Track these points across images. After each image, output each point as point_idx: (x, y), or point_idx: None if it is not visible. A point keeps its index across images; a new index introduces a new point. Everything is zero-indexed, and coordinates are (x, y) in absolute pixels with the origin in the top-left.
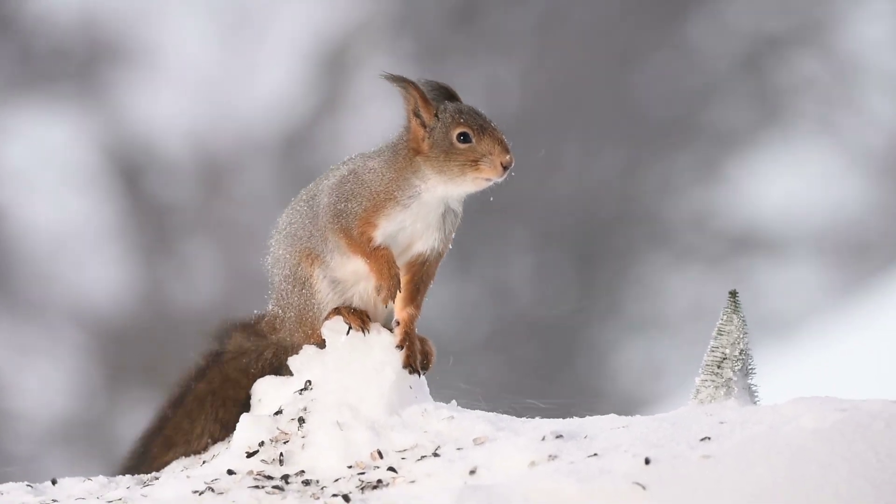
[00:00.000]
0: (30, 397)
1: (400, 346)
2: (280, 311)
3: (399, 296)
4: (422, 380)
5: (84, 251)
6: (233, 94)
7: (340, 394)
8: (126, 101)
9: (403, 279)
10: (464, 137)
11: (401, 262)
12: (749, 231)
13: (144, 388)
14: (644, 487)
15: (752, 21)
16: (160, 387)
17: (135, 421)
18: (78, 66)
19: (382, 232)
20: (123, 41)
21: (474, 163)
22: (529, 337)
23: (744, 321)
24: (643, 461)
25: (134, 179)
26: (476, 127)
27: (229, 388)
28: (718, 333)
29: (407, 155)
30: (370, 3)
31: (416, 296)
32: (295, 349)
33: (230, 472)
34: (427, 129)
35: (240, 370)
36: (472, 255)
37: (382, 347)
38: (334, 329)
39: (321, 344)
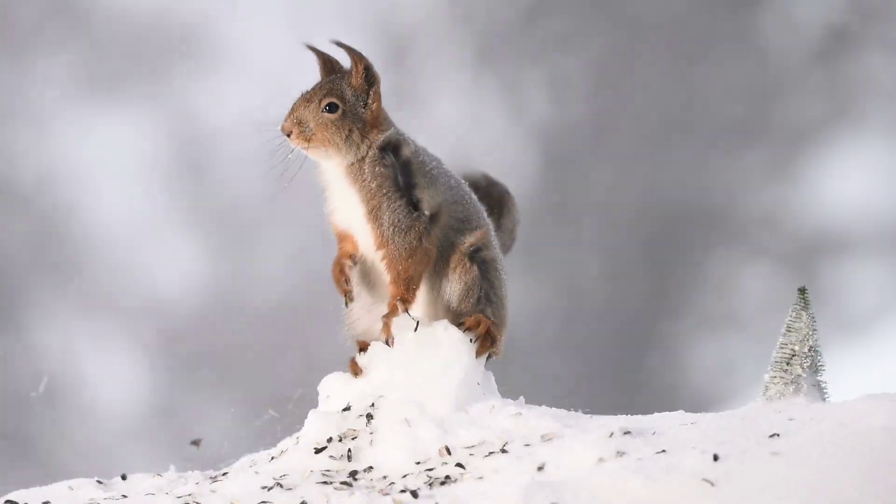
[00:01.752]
0: (104, 390)
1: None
2: None
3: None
4: (490, 376)
5: (157, 244)
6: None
7: (408, 390)
8: (197, 97)
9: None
10: None
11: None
12: (820, 227)
13: (218, 382)
14: (712, 484)
15: (823, 14)
16: (232, 381)
17: (208, 415)
18: (150, 62)
19: (336, 222)
20: (195, 37)
21: None
22: (601, 334)
23: (813, 318)
24: (711, 458)
25: (205, 174)
26: None
27: None
28: (787, 330)
29: None
30: None
31: (394, 277)
32: None
33: (298, 468)
34: None
35: None
36: (542, 253)
37: (450, 343)
38: (402, 325)
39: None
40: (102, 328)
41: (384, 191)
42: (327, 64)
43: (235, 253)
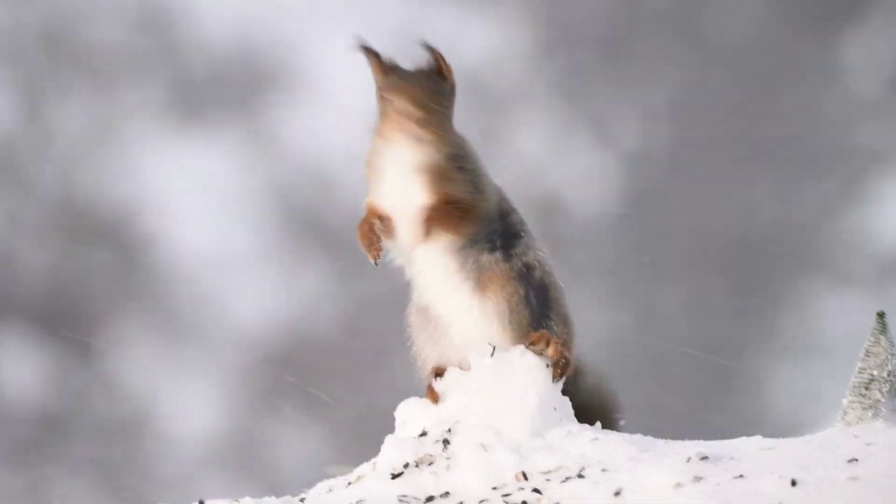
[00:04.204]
0: (184, 419)
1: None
2: None
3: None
4: (566, 401)
5: (241, 275)
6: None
7: (485, 415)
8: (284, 128)
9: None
10: None
11: None
12: None
13: (298, 411)
14: None
15: None
16: (311, 410)
17: (287, 444)
18: (236, 93)
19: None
20: (281, 67)
21: None
22: (683, 362)
23: (891, 342)
24: (789, 483)
25: (289, 206)
26: None
27: None
28: (866, 355)
29: None
30: (519, 29)
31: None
32: None
33: (375, 494)
34: None
35: None
36: (626, 281)
37: (526, 369)
38: (478, 351)
39: None
40: (183, 358)
41: (453, 163)
42: (382, 64)
43: (317, 284)
